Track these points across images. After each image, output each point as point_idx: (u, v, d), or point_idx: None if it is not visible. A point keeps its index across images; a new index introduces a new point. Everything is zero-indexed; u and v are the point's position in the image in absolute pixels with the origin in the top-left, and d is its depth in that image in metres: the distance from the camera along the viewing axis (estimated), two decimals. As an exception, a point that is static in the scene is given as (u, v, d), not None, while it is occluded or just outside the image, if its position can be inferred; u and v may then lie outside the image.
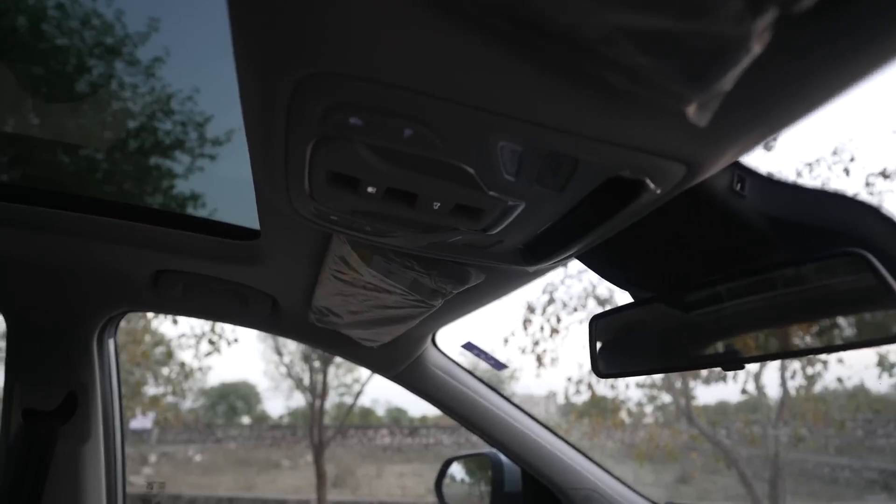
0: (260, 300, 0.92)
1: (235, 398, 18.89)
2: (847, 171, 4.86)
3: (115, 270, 0.87)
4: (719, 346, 0.54)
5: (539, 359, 5.46)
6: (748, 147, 0.35)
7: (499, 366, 1.08)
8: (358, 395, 8.63)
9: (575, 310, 5.60)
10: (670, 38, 0.24)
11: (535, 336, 5.58)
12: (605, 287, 5.88)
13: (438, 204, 0.41)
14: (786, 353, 0.48)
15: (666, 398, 6.98)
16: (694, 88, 0.27)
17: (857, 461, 10.00)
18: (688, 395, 5.96)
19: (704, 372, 6.07)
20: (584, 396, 6.19)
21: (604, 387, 6.46)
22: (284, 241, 0.69)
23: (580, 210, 0.43)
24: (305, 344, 1.13)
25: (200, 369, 7.52)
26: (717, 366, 0.54)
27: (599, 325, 0.65)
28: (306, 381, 8.84)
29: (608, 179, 0.38)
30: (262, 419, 17.62)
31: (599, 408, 7.92)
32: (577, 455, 1.22)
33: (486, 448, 1.36)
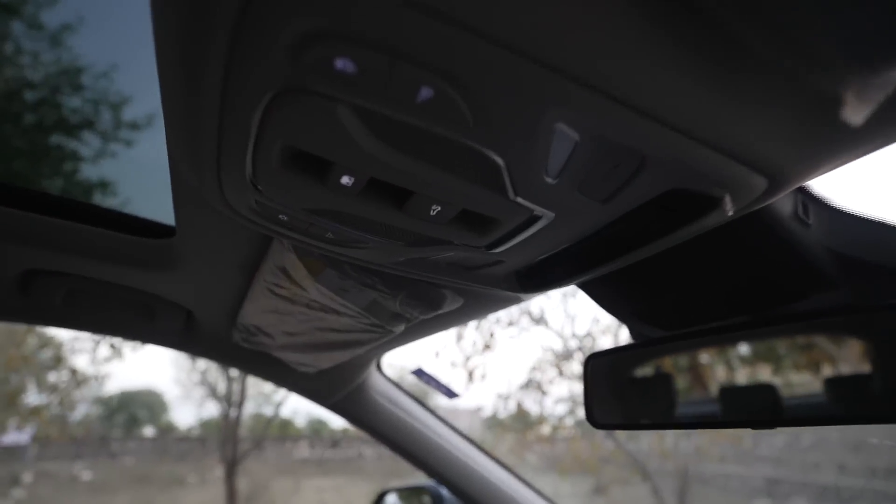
0: (171, 314, 0.74)
1: (137, 407, 17.14)
2: None
3: None
4: (744, 401, 0.47)
5: (470, 374, 5.43)
6: (844, 162, 0.27)
7: (450, 394, 0.97)
8: (279, 405, 8.10)
9: (509, 325, 5.64)
10: None
11: (467, 351, 5.55)
12: (535, 304, 6.00)
13: (438, 208, 0.30)
14: (829, 419, 0.42)
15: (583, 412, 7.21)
16: (871, 67, 0.18)
17: (746, 470, 10.97)
18: (609, 410, 6.18)
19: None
20: (511, 411, 6.25)
21: (530, 402, 6.57)
22: (206, 243, 0.55)
23: (612, 229, 0.34)
24: (226, 366, 0.95)
25: (97, 377, 6.68)
26: (745, 426, 0.46)
27: (596, 367, 0.56)
28: (221, 389, 8.18)
29: (666, 192, 0.29)
30: (168, 430, 16.10)
31: (524, 422, 8.04)
32: (522, 487, 1.14)
33: (424, 479, 1.26)
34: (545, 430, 7.31)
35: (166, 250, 0.60)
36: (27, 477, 10.37)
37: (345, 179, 0.28)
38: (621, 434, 6.73)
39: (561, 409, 6.46)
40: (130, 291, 0.71)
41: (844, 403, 0.41)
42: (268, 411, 11.14)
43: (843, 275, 0.39)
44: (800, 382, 0.46)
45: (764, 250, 0.40)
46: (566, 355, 6.37)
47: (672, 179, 0.28)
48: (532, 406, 6.44)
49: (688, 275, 0.45)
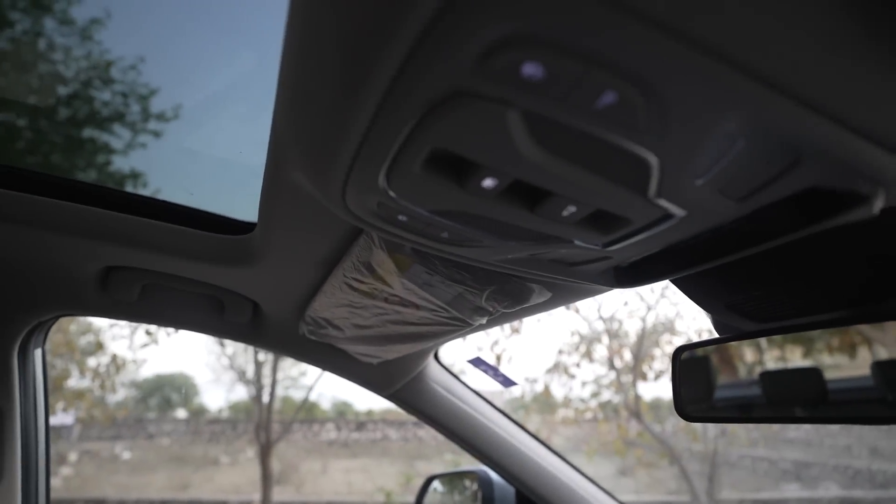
0: (239, 307, 0.76)
1: (171, 390, 17.79)
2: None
3: (49, 264, 0.68)
4: (856, 397, 0.46)
5: (497, 358, 5.46)
6: None
7: (507, 382, 0.97)
8: (310, 389, 8.32)
9: (536, 309, 5.63)
10: None
11: (495, 335, 5.57)
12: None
13: (573, 209, 0.29)
14: None
15: (607, 395, 7.19)
16: None
17: (774, 453, 10.84)
18: (636, 394, 6.16)
19: (648, 371, 6.31)
20: (537, 393, 6.27)
21: (557, 385, 6.57)
22: (287, 239, 0.55)
23: (734, 226, 0.33)
24: (287, 356, 0.97)
25: (134, 361, 6.95)
26: (857, 422, 0.45)
27: (685, 359, 0.55)
28: (250, 373, 8.42)
29: (808, 188, 0.28)
30: (199, 413, 16.70)
31: (549, 404, 8.08)
32: (576, 474, 1.15)
33: (472, 465, 1.27)
34: (570, 412, 7.33)
35: (244, 246, 0.61)
36: (73, 456, 10.94)
37: (487, 182, 0.27)
38: (648, 416, 6.70)
39: (587, 391, 6.45)
40: (203, 286, 0.72)
41: None
42: (295, 394, 11.45)
43: None
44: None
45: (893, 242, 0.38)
46: (592, 338, 6.33)
47: (822, 176, 0.27)
48: (558, 389, 6.45)
49: (800, 266, 0.43)
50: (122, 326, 6.76)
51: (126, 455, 11.94)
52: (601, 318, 6.01)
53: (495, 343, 5.45)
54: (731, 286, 0.49)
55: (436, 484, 1.39)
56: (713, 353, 0.57)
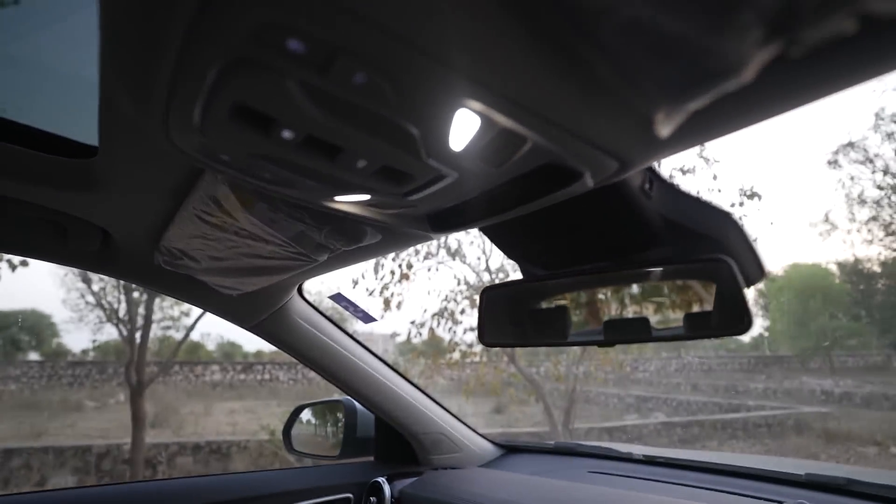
0: (85, 233, 0.74)
1: (19, 330, 15.60)
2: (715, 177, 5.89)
3: None
4: (595, 326, 0.62)
5: (387, 302, 5.62)
6: (677, 152, 0.38)
7: (367, 318, 1.07)
8: (191, 328, 7.85)
9: (426, 257, 5.84)
10: (682, 45, 0.24)
11: (385, 280, 5.71)
12: (453, 238, 6.23)
13: (364, 163, 0.37)
14: (648, 338, 0.57)
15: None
16: (673, 98, 0.28)
17: (623, 390, 12.86)
18: (514, 339, 6.77)
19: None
20: (424, 338, 6.62)
21: (442, 330, 6.98)
22: (134, 168, 0.56)
23: (505, 188, 0.43)
24: (145, 287, 0.96)
25: (-34, 296, 5.94)
26: (593, 343, 0.61)
27: (490, 297, 0.68)
28: (122, 312, 7.69)
29: (544, 165, 0.39)
30: (58, 355, 14.94)
31: (435, 348, 8.57)
32: (429, 402, 1.30)
33: (338, 395, 1.37)
34: (455, 356, 7.85)
35: (85, 171, 0.59)
36: None
37: (286, 134, 0.33)
38: (523, 360, 7.46)
39: (470, 336, 6.96)
40: (38, 209, 0.69)
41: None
42: (176, 335, 10.75)
43: (669, 235, 0.53)
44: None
45: (619, 213, 0.52)
46: (479, 287, 6.77)
47: (548, 157, 0.37)
48: (444, 334, 6.87)
49: (567, 227, 0.57)
50: (-53, 254, 5.70)
51: (-41, 402, 10.40)
52: (488, 269, 6.43)
53: (385, 287, 5.61)
54: (523, 239, 0.62)
55: (304, 413, 1.49)
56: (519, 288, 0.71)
